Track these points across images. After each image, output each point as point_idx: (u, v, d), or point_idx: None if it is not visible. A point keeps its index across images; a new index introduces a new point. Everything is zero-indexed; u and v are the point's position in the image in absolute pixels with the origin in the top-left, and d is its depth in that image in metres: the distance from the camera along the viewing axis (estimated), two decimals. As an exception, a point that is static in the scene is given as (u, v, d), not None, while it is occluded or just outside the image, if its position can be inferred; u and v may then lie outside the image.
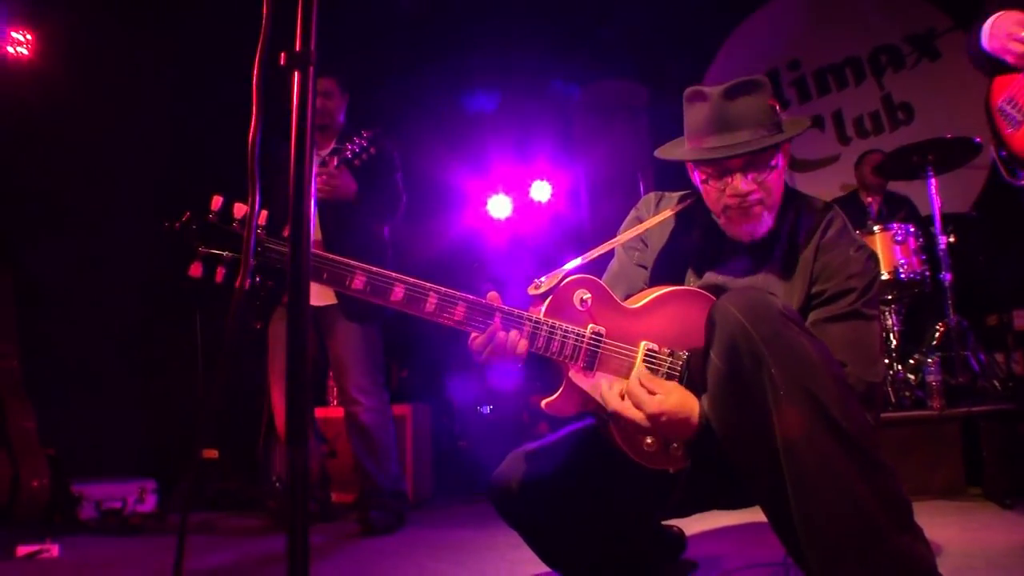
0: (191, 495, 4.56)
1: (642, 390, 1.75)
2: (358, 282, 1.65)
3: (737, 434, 1.66)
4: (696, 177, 1.98)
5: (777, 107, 1.91)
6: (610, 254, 2.14)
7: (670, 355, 1.84)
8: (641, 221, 2.16)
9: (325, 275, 1.65)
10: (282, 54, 1.02)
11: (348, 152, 3.47)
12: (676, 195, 2.19)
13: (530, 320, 1.75)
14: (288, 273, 1.01)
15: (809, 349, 1.60)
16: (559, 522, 2.01)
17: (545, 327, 1.75)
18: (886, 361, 4.07)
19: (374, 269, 1.67)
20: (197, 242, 1.54)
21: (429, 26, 6.13)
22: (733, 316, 1.64)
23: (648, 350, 1.82)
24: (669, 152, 2.00)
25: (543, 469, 1.99)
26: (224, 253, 1.57)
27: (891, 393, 3.96)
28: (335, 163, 3.49)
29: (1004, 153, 2.29)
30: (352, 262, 1.66)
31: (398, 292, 1.69)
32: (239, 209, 1.57)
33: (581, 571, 2.15)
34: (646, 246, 2.14)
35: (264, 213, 1.50)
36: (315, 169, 3.74)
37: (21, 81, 4.83)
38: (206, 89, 5.26)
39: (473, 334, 1.76)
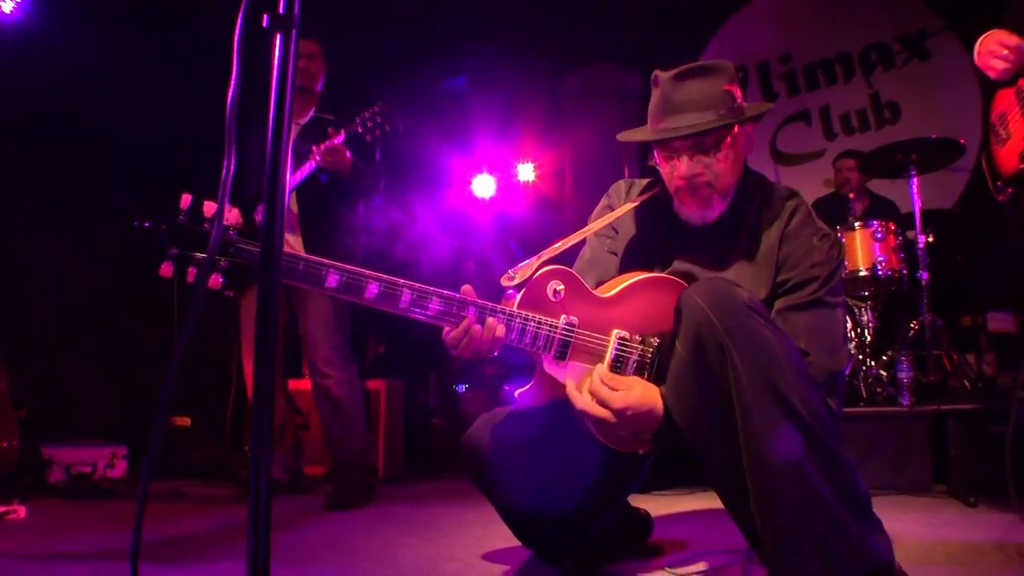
0: (159, 462, 4.54)
1: (605, 388, 1.77)
2: (332, 280, 1.64)
3: (699, 424, 1.69)
4: (656, 161, 2.02)
5: (736, 92, 1.92)
6: (583, 242, 2.16)
7: (641, 342, 1.87)
8: (612, 209, 2.19)
9: (298, 273, 1.63)
10: (264, 15, 1.01)
11: (359, 126, 3.41)
12: (645, 182, 2.21)
13: (503, 312, 1.76)
14: (260, 258, 1.00)
15: (772, 341, 1.62)
16: (528, 487, 2.01)
17: (518, 319, 1.77)
18: (860, 356, 4.11)
19: (347, 267, 1.65)
20: (167, 244, 1.51)
21: (418, 5, 6.08)
22: (699, 307, 1.66)
23: (620, 338, 1.85)
24: (628, 135, 2.05)
25: (516, 433, 2.00)
26: (194, 254, 1.54)
27: (863, 388, 4.00)
28: (342, 136, 3.42)
29: (992, 174, 2.33)
30: (325, 260, 1.64)
31: (372, 289, 1.68)
32: (208, 208, 1.54)
33: (548, 542, 2.17)
34: (616, 233, 2.17)
35: (236, 212, 1.49)
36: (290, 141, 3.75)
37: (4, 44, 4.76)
38: (189, 70, 5.22)
39: (447, 328, 1.77)
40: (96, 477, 4.23)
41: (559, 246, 1.94)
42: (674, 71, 1.93)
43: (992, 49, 2.22)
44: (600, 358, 1.83)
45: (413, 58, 6.09)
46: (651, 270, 2.03)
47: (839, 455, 1.62)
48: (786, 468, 1.55)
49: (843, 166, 5.30)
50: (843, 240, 4.21)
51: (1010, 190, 2.25)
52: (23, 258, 4.78)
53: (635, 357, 1.86)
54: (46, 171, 4.98)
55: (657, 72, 1.96)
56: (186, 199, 1.44)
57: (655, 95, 1.96)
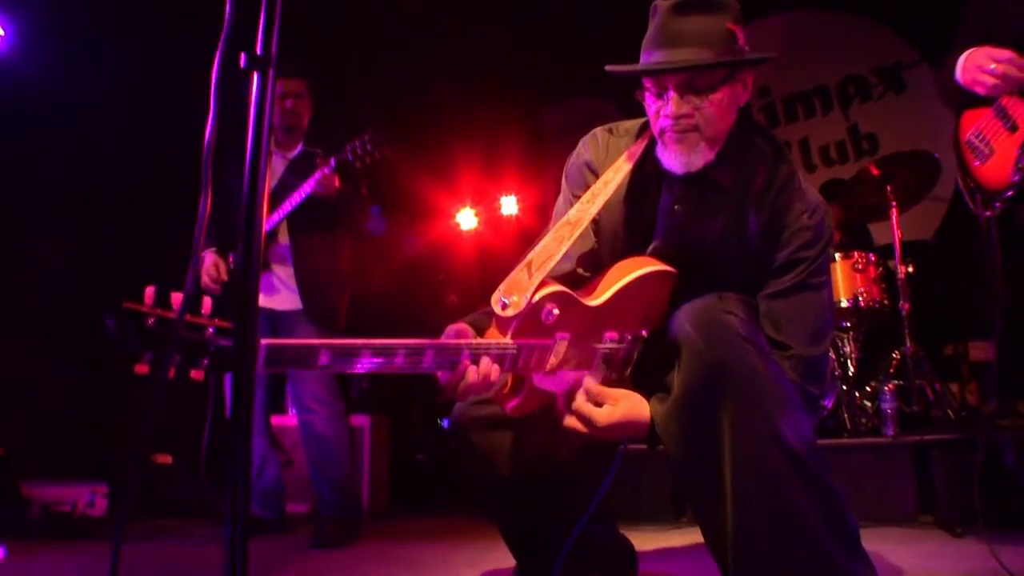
0: (139, 501, 4.47)
1: (589, 406, 1.73)
2: (323, 358, 1.53)
3: (687, 456, 1.66)
4: (644, 98, 1.87)
5: (738, 33, 1.79)
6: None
7: (633, 339, 1.83)
8: (591, 168, 2.07)
9: (287, 360, 1.53)
10: (241, 55, 1.01)
11: (349, 153, 3.43)
12: (626, 128, 2.07)
13: (497, 347, 1.69)
14: (237, 293, 0.99)
15: (765, 373, 1.60)
16: (512, 458, 1.96)
17: (511, 351, 1.69)
18: (843, 387, 4.12)
19: (336, 342, 1.55)
20: (139, 349, 1.36)
21: (400, 39, 6.14)
22: (691, 337, 1.65)
23: (608, 340, 1.81)
24: (618, 67, 1.86)
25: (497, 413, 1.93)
26: (170, 357, 1.38)
27: (847, 419, 4.01)
28: (333, 164, 3.45)
29: (977, 192, 2.34)
30: (314, 341, 1.54)
31: (364, 357, 1.57)
32: (175, 298, 1.38)
33: (529, 550, 2.13)
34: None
35: (208, 301, 1.39)
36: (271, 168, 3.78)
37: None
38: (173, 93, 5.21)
39: (441, 374, 1.68)
40: (76, 515, 4.16)
41: (553, 260, 1.79)
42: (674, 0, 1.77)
43: (980, 63, 2.21)
44: (590, 364, 1.80)
45: (394, 90, 6.13)
46: (639, 244, 1.97)
47: (831, 489, 1.61)
48: (778, 503, 1.54)
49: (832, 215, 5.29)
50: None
51: (998, 204, 2.25)
52: (2, 293, 4.74)
53: (622, 357, 1.83)
54: (31, 207, 4.96)
55: (657, 1, 1.81)
56: (150, 293, 1.33)
57: (652, 26, 1.81)
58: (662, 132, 1.83)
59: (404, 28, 6.15)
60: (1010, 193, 2.20)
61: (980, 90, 2.24)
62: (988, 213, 2.29)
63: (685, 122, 1.78)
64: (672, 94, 1.77)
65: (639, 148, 1.96)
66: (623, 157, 1.97)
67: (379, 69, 6.15)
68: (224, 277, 3.64)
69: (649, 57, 1.79)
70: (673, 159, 1.85)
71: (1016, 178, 2.18)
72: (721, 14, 1.77)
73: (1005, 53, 2.17)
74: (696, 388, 1.62)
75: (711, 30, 1.74)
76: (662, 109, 1.80)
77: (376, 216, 5.41)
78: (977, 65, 2.22)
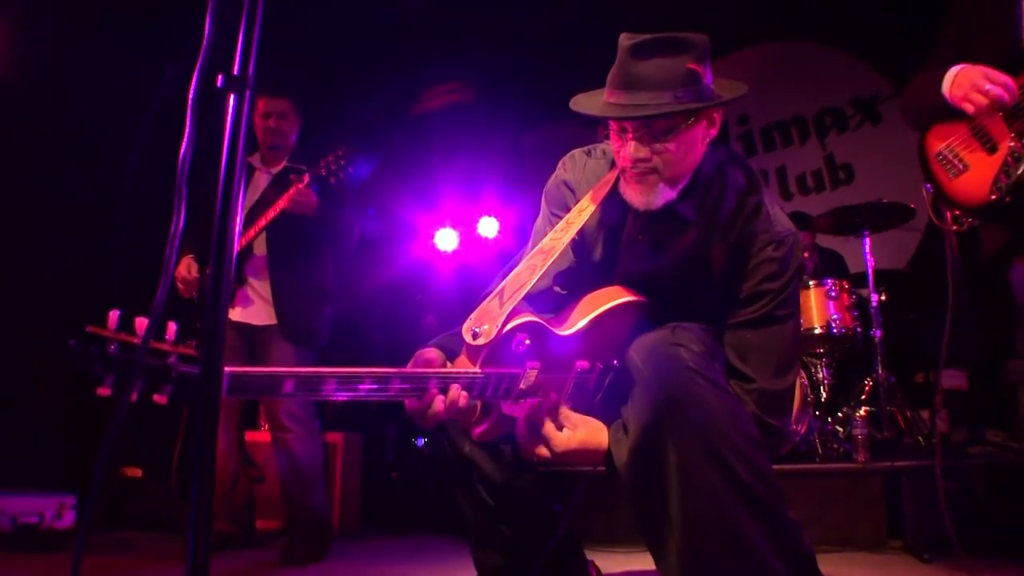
0: (108, 513, 4.43)
1: (552, 429, 1.74)
2: (288, 386, 1.53)
3: (638, 486, 1.66)
4: (608, 133, 1.87)
5: (702, 72, 1.75)
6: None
7: (604, 368, 1.83)
8: (568, 186, 2.08)
9: (252, 389, 1.52)
10: (219, 75, 1.03)
11: (323, 169, 3.45)
12: (603, 150, 2.07)
13: (465, 376, 1.67)
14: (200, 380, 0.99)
15: (715, 405, 1.60)
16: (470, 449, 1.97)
17: (479, 380, 1.68)
18: (815, 413, 4.15)
19: (300, 371, 1.55)
20: (102, 373, 1.34)
21: (383, 59, 6.17)
22: (640, 372, 1.66)
23: (580, 371, 1.81)
24: (582, 103, 1.87)
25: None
26: (132, 382, 1.36)
27: (818, 445, 4.04)
28: (307, 179, 3.46)
29: (950, 208, 2.36)
30: (279, 369, 1.53)
31: (329, 386, 1.58)
32: (140, 324, 1.37)
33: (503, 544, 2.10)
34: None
35: (172, 326, 1.38)
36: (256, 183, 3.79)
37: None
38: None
39: (408, 402, 1.66)
40: (43, 528, 4.10)
41: (524, 289, 1.79)
42: (636, 40, 1.74)
43: (975, 81, 2.21)
44: (560, 392, 1.81)
45: (379, 112, 6.15)
46: (607, 267, 1.99)
47: (786, 518, 1.62)
48: (729, 535, 1.54)
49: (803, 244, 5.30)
50: (799, 296, 4.29)
51: (970, 220, 2.28)
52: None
53: (592, 385, 1.84)
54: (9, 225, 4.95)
55: (621, 37, 1.77)
56: (113, 317, 1.32)
57: (616, 62, 1.78)
58: (623, 170, 1.85)
59: (392, 51, 6.18)
60: (986, 209, 2.23)
61: (969, 108, 2.24)
62: (955, 228, 2.32)
63: (643, 165, 1.78)
64: (630, 136, 1.77)
65: (612, 176, 1.96)
66: (588, 197, 1.97)
67: (367, 92, 6.18)
68: (194, 275, 3.64)
69: (610, 97, 1.78)
70: (634, 197, 1.85)
71: (994, 196, 2.21)
72: (683, 55, 1.73)
73: (1004, 76, 2.19)
74: (645, 421, 1.62)
75: (671, 73, 1.71)
76: (622, 149, 1.80)
77: (372, 218, 5.42)
78: (972, 82, 2.23)
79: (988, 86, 2.19)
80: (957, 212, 2.34)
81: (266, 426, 4.61)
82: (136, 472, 4.82)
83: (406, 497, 5.15)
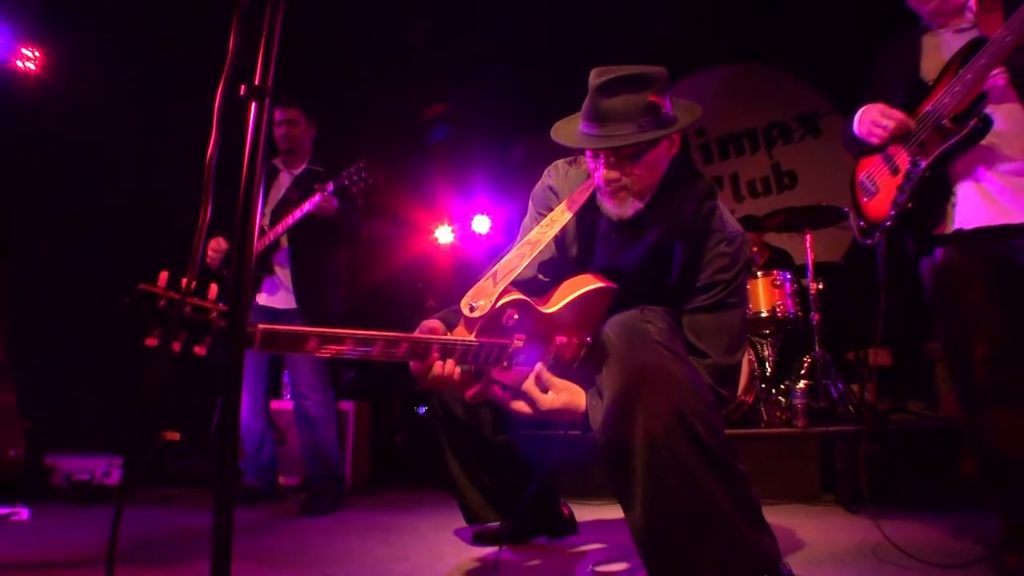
0: (150, 471, 4.43)
1: (536, 390, 1.77)
2: (312, 343, 1.54)
3: (610, 443, 1.67)
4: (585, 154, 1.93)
5: (661, 102, 1.78)
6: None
7: (579, 343, 1.87)
8: (553, 191, 2.13)
9: (281, 343, 1.53)
10: (242, 86, 1.02)
11: (345, 179, 3.43)
12: (583, 160, 2.09)
13: (463, 344, 1.71)
14: (230, 286, 0.99)
15: (678, 373, 1.63)
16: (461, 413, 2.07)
17: (473, 347, 1.72)
18: (762, 385, 4.17)
19: (325, 330, 1.55)
20: (150, 325, 1.34)
21: (386, 69, 6.15)
22: (615, 345, 1.68)
23: (558, 342, 1.85)
24: (561, 133, 1.91)
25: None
26: (177, 333, 1.37)
27: (764, 412, 4.05)
28: (331, 188, 3.44)
29: (863, 224, 2.39)
30: (306, 328, 1.54)
31: (347, 345, 1.58)
32: (185, 285, 1.34)
33: (493, 489, 2.19)
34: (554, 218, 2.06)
35: (214, 288, 1.37)
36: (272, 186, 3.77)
37: (28, 93, 4.71)
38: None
39: (413, 363, 1.71)
40: (93, 484, 4.11)
41: (514, 273, 1.83)
42: (602, 79, 1.78)
43: (875, 118, 2.26)
44: (542, 360, 1.84)
45: (385, 123, 6.12)
46: (584, 260, 2.03)
47: (736, 472, 1.63)
48: (689, 485, 1.56)
49: (752, 241, 5.24)
50: (747, 286, 4.30)
51: (878, 235, 2.31)
52: (35, 286, 4.68)
53: (569, 356, 1.87)
54: (57, 201, 4.92)
55: (591, 74, 1.82)
56: (163, 277, 1.32)
57: (587, 98, 1.83)
58: (598, 188, 1.90)
59: (398, 69, 6.16)
60: (888, 224, 2.26)
61: (875, 141, 2.30)
62: (869, 242, 2.34)
63: (614, 184, 1.85)
64: (602, 161, 1.83)
65: (591, 184, 1.99)
66: (562, 206, 2.03)
67: (373, 105, 6.15)
68: (224, 247, 3.66)
69: (584, 127, 1.83)
70: (608, 209, 1.92)
71: (892, 211, 2.24)
72: (643, 90, 1.76)
73: (898, 113, 2.24)
74: (618, 387, 1.64)
75: (634, 106, 1.75)
76: (596, 171, 1.87)
77: (380, 217, 5.33)
78: (872, 120, 2.28)
79: (884, 121, 2.23)
80: (863, 224, 2.38)
81: (288, 395, 4.61)
82: (175, 436, 4.78)
83: (409, 457, 5.15)
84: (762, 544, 1.61)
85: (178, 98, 5.03)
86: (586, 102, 1.82)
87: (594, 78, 1.79)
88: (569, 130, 1.89)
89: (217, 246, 3.66)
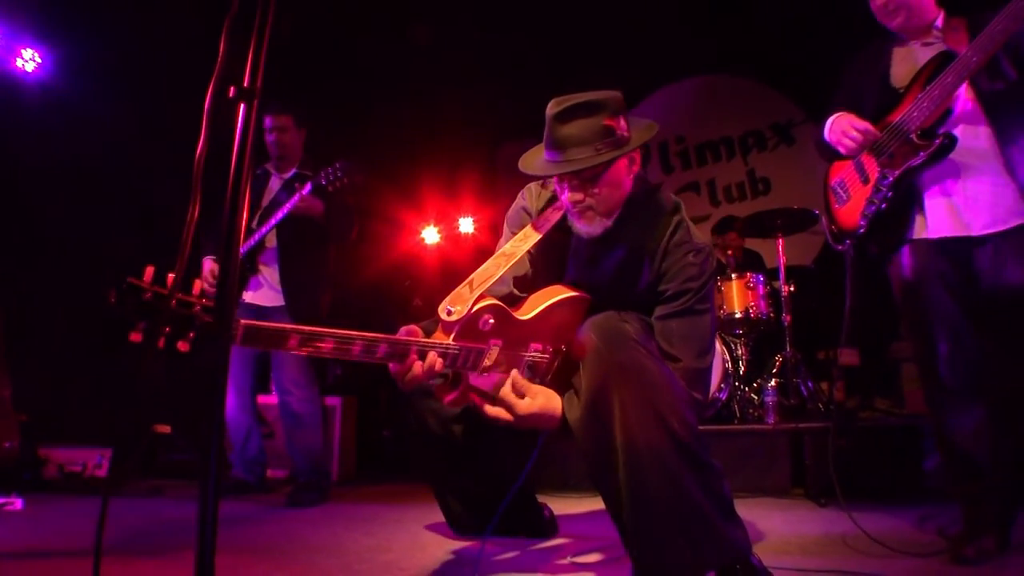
0: (142, 463, 4.39)
1: (512, 396, 1.77)
2: (293, 341, 1.53)
3: (589, 440, 1.69)
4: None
5: (617, 124, 1.82)
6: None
7: (554, 352, 1.89)
8: (527, 211, 2.15)
9: (262, 340, 1.51)
10: (231, 88, 1.01)
11: (323, 179, 3.42)
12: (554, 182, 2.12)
13: (442, 346, 1.72)
14: (213, 326, 0.98)
15: (654, 370, 1.65)
16: (440, 432, 2.06)
17: (452, 350, 1.73)
18: (735, 383, 4.20)
19: (305, 329, 1.54)
20: (135, 318, 1.32)
21: (385, 83, 6.13)
22: (594, 343, 1.69)
23: (533, 350, 1.86)
24: (528, 163, 1.95)
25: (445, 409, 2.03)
26: (161, 327, 1.35)
27: (737, 409, 4.08)
28: (308, 188, 3.43)
29: (835, 228, 2.42)
30: (287, 326, 1.53)
31: (327, 344, 1.57)
32: (171, 279, 1.33)
33: (471, 497, 2.18)
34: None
35: (198, 284, 1.37)
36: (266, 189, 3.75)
37: (28, 94, 4.67)
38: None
39: (392, 365, 1.71)
40: (85, 475, 4.08)
41: (490, 280, 1.85)
42: (559, 108, 1.82)
43: (844, 129, 2.29)
44: (517, 368, 1.85)
45: (373, 125, 6.10)
46: (557, 275, 2.05)
47: (708, 464, 1.65)
48: (664, 476, 1.57)
49: (729, 242, 5.22)
50: (722, 288, 4.33)
51: (848, 241, 2.33)
52: (30, 282, 4.63)
53: (544, 365, 1.88)
54: (54, 195, 4.87)
55: (549, 105, 1.85)
56: (150, 272, 1.30)
57: (546, 127, 1.86)
58: (567, 209, 1.94)
59: (382, 72, 6.15)
60: (860, 232, 2.28)
61: (843, 150, 2.32)
62: (840, 247, 2.37)
63: (580, 205, 1.88)
64: (566, 185, 1.87)
65: (562, 204, 2.01)
66: (535, 225, 2.05)
67: (363, 108, 6.13)
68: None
69: (546, 155, 1.86)
70: (579, 228, 1.95)
71: (863, 221, 2.27)
72: (598, 114, 1.80)
73: (864, 124, 2.26)
74: (597, 384, 1.65)
75: (590, 131, 1.79)
76: (562, 194, 1.91)
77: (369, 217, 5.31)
78: (842, 130, 2.31)
79: (853, 133, 2.26)
80: (835, 228, 2.41)
81: (275, 390, 4.58)
82: (165, 429, 4.76)
83: (395, 451, 5.14)
84: (734, 535, 1.62)
85: (177, 98, 5.00)
86: (546, 131, 1.86)
87: (551, 108, 1.84)
88: (533, 160, 1.93)
89: (213, 270, 3.63)
